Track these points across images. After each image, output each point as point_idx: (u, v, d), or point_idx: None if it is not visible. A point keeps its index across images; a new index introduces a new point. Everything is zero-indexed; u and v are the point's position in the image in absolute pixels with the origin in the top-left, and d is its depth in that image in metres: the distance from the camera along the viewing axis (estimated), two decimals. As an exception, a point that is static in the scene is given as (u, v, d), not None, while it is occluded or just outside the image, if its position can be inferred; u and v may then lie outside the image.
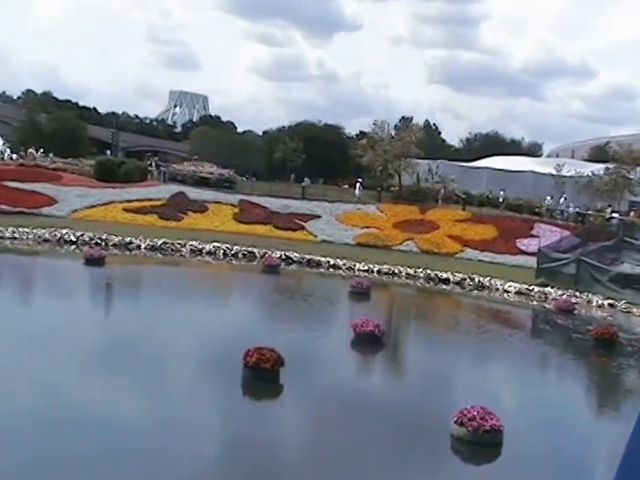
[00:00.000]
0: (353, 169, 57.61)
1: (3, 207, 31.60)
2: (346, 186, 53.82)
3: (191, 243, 29.99)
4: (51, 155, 48.68)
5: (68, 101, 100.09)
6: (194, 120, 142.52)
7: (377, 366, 16.07)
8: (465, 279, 28.50)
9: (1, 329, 14.69)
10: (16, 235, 28.10)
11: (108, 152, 60.18)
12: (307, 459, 9.61)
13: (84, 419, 9.63)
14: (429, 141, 57.56)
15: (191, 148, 74.50)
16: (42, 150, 49.73)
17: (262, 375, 11.75)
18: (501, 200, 44.01)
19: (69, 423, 9.51)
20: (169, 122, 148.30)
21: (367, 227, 37.06)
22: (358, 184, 46.40)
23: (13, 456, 8.13)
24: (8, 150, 53.48)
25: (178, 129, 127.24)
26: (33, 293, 20.80)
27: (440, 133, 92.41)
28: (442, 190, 44.47)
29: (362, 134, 66.60)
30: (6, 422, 9.08)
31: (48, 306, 18.61)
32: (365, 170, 52.13)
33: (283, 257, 29.74)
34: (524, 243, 34.20)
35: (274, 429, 10.50)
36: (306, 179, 49.79)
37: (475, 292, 27.37)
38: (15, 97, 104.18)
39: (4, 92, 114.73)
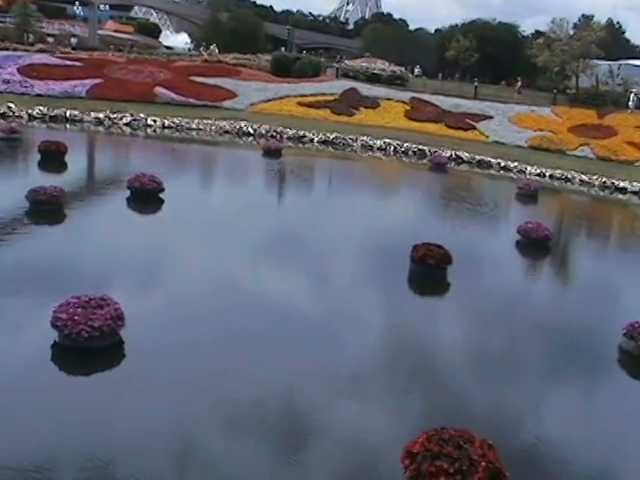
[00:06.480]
0: (527, 70, 55.18)
1: (190, 100, 33.65)
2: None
3: (362, 138, 30.70)
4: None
5: (246, 0, 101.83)
6: (366, 17, 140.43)
7: (543, 271, 15.90)
8: (644, 189, 27.26)
9: (197, 212, 16.25)
10: (201, 126, 30.18)
11: (283, 49, 61.38)
12: (460, 359, 9.31)
13: (257, 303, 10.20)
14: (611, 41, 53.52)
15: (363, 45, 74.19)
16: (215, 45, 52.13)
17: (428, 271, 12.13)
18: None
19: (244, 306, 10.06)
20: (341, 19, 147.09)
21: (541, 130, 35.87)
22: (632, 95, 42.00)
23: (201, 333, 8.88)
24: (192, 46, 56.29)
25: (350, 26, 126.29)
26: (223, 180, 22.49)
27: (624, 32, 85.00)
28: (632, 95, 41.56)
29: (538, 33, 62.93)
30: (189, 304, 9.86)
31: (236, 193, 20.10)
32: (540, 71, 49.82)
33: (453, 156, 29.81)
34: None
35: (431, 326, 10.57)
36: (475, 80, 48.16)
37: (655, 204, 26.15)
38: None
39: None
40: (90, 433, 6.52)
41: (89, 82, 33.43)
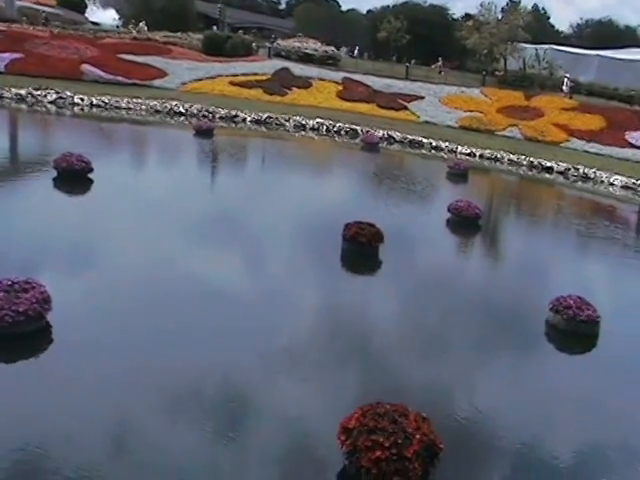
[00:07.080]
0: (457, 51, 56.09)
1: (119, 78, 32.81)
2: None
3: (295, 118, 30.56)
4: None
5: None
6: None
7: (473, 249, 16.15)
8: (569, 169, 28.03)
9: (128, 193, 15.88)
10: (130, 106, 29.37)
11: (214, 28, 60.46)
12: (393, 335, 9.41)
13: (189, 285, 9.93)
14: (537, 26, 55.07)
15: (295, 25, 73.88)
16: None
17: (360, 249, 12.18)
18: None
19: (175, 288, 9.76)
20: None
21: (471, 110, 36.50)
22: (566, 80, 42.68)
23: (132, 316, 8.82)
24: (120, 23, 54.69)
25: (282, 6, 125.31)
26: (154, 161, 21.88)
27: (549, 18, 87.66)
28: (565, 79, 42.60)
29: (468, 16, 64.02)
30: (120, 287, 9.55)
31: (167, 173, 19.63)
32: (470, 53, 50.70)
33: (385, 136, 30.02)
34: (633, 136, 32.99)
35: (364, 303, 10.58)
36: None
37: (579, 183, 26.87)
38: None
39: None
40: (15, 422, 6.28)
41: (8, 56, 32.07)
